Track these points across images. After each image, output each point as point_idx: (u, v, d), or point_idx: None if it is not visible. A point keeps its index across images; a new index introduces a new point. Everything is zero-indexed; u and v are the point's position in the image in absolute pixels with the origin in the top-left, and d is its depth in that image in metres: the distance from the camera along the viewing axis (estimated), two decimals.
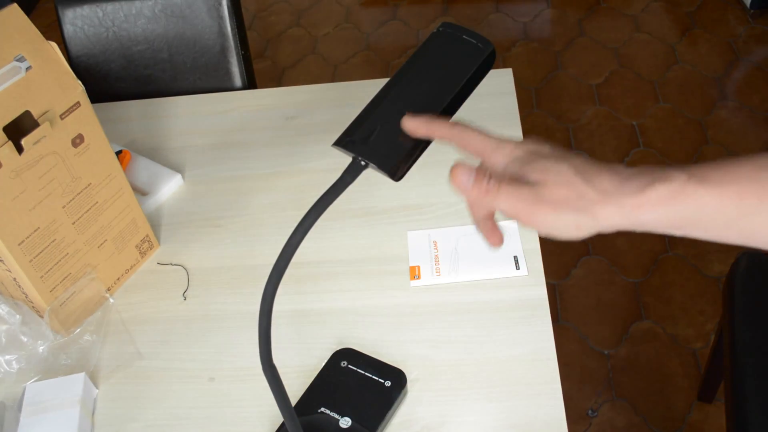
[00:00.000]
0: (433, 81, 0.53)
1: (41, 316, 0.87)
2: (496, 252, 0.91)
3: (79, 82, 0.82)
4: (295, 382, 0.81)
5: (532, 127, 2.27)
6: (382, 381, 0.78)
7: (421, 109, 0.52)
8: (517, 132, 1.07)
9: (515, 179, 0.49)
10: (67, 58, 1.43)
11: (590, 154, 2.17)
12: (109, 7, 1.38)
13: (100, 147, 0.86)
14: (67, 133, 0.82)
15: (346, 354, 0.81)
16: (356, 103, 1.15)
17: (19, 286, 0.85)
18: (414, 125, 0.51)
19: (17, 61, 0.77)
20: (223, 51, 1.41)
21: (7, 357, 0.85)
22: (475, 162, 0.51)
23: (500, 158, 0.50)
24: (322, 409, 0.76)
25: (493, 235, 0.55)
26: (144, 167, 1.11)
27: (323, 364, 0.81)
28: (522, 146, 0.50)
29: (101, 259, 0.92)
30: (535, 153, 0.49)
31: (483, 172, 0.49)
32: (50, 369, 0.86)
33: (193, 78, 1.44)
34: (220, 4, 1.38)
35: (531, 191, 0.47)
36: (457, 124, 0.51)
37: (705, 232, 0.46)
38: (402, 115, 0.52)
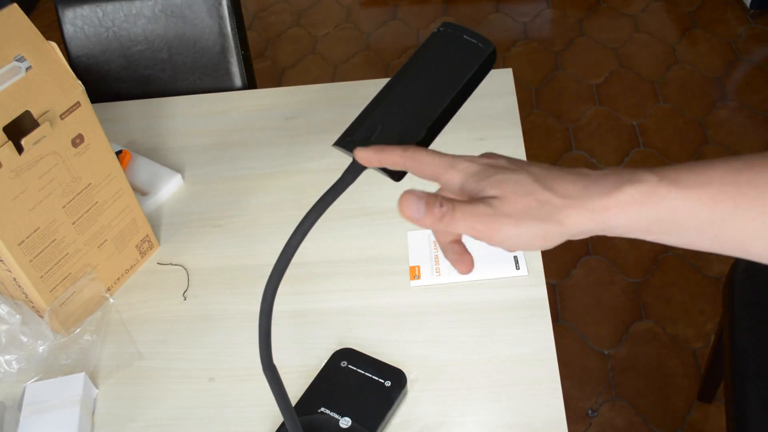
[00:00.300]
0: (434, 81, 0.53)
1: (41, 316, 0.87)
2: (496, 252, 0.91)
3: (79, 82, 0.82)
4: (295, 382, 0.81)
5: (532, 127, 2.27)
6: (382, 381, 0.78)
7: (422, 109, 0.52)
8: (517, 132, 1.07)
9: (472, 198, 0.46)
10: (67, 58, 1.43)
11: (590, 154, 2.17)
12: (109, 7, 1.38)
13: (100, 147, 0.86)
14: (67, 133, 0.82)
15: (346, 354, 0.81)
16: (356, 103, 1.15)
17: (19, 286, 0.85)
18: (365, 156, 0.48)
19: (17, 61, 0.77)
20: (223, 51, 1.41)
21: (7, 357, 0.85)
22: (433, 187, 0.49)
23: (456, 177, 0.47)
24: (322, 409, 0.76)
25: (461, 261, 0.52)
26: (144, 167, 1.11)
27: (323, 364, 0.81)
28: (477, 161, 0.48)
29: (101, 259, 0.92)
30: (490, 166, 0.47)
31: (434, 197, 0.46)
32: (50, 369, 0.86)
33: (193, 78, 1.44)
34: (220, 4, 1.38)
35: (488, 207, 0.45)
36: (407, 148, 0.49)
37: (678, 237, 0.44)
38: (402, 115, 0.51)
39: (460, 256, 0.52)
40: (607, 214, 0.44)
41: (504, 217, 0.44)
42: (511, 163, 0.47)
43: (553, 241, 0.45)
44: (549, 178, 0.45)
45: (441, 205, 0.45)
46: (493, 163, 0.47)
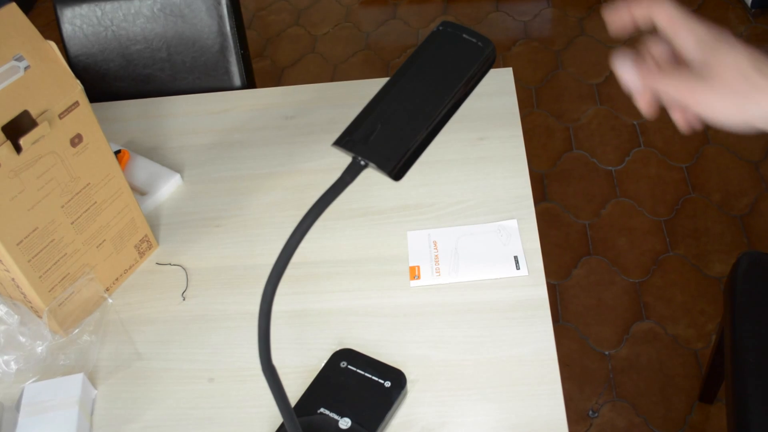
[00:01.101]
0: (433, 80, 0.53)
1: (40, 317, 0.87)
2: (496, 252, 0.90)
3: (78, 82, 0.82)
4: (294, 382, 0.81)
5: (532, 127, 2.26)
6: (382, 381, 0.78)
7: (421, 108, 0.52)
8: (517, 132, 1.07)
9: (690, 60, 0.52)
10: (65, 57, 1.43)
11: (591, 153, 2.17)
12: (107, 6, 1.38)
13: (98, 147, 0.86)
14: (66, 132, 0.82)
15: (345, 354, 0.81)
16: (356, 102, 1.15)
17: (18, 287, 0.84)
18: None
19: (16, 60, 0.76)
20: (222, 50, 1.41)
21: (6, 357, 0.85)
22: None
23: (688, 37, 0.53)
24: (322, 409, 0.76)
25: (645, 100, 0.57)
26: (143, 167, 1.10)
27: (323, 364, 0.81)
28: (707, 29, 0.53)
29: (100, 259, 0.91)
30: (719, 39, 0.52)
31: (646, 58, 0.53)
32: (49, 369, 0.86)
33: (192, 77, 1.44)
34: (219, 3, 1.37)
35: (696, 80, 0.51)
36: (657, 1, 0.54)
37: None
38: (402, 114, 0.51)
39: (647, 98, 0.57)
40: None
41: (710, 90, 0.50)
42: (738, 42, 0.52)
43: (747, 115, 0.50)
44: (763, 62, 0.50)
45: (652, 66, 0.53)
46: (722, 36, 0.52)
